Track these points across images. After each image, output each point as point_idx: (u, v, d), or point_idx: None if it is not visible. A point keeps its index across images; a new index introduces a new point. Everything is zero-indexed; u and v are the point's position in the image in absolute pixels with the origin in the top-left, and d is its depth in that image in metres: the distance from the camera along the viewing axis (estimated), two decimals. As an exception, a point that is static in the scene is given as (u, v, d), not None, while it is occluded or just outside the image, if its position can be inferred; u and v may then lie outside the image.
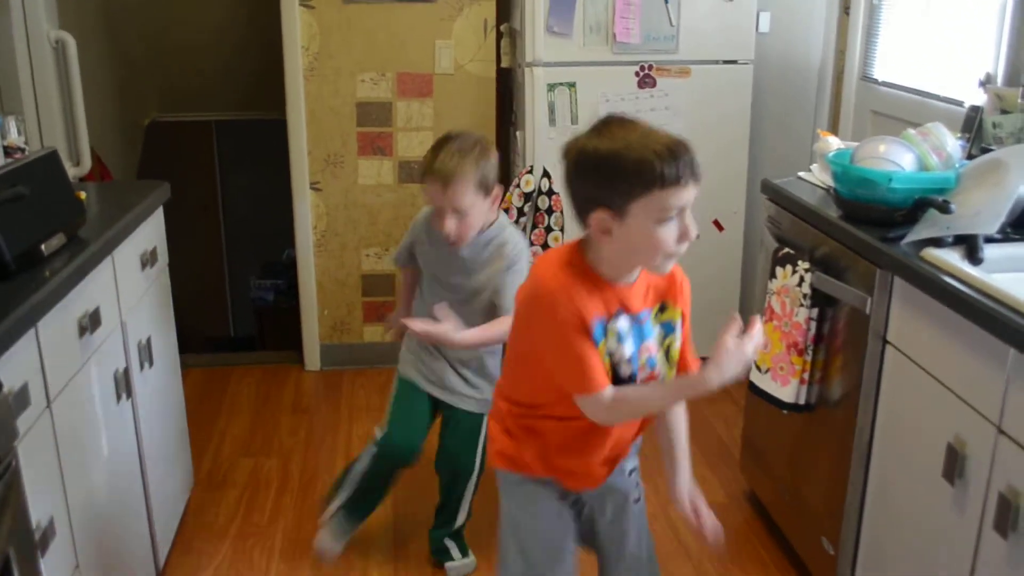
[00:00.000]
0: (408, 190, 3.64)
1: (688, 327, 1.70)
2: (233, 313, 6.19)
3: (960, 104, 2.79)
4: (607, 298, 1.57)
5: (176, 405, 2.72)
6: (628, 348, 1.58)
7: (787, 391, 2.32)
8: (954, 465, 1.76)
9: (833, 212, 2.23)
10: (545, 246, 3.46)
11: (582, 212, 1.52)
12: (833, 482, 2.25)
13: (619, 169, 1.44)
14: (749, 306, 3.75)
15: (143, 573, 2.32)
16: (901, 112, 3.21)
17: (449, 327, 2.11)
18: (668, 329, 1.65)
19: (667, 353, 1.66)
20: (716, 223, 3.56)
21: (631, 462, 1.87)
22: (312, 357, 3.85)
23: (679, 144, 1.46)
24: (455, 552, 2.55)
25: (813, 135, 3.72)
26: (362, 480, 2.49)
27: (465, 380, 2.43)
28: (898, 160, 2.07)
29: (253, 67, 5.20)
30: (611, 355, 1.57)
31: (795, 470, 2.50)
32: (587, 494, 1.82)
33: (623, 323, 1.58)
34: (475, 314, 2.29)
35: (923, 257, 1.88)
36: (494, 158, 2.22)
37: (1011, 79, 2.59)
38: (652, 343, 1.63)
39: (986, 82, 2.61)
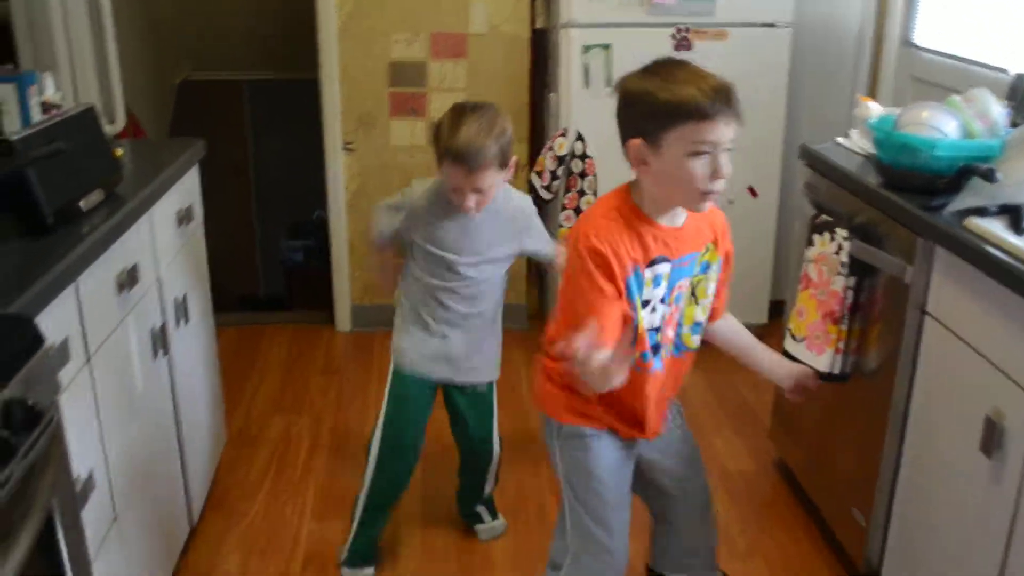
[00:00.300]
0: (440, 152, 3.63)
1: (729, 271, 1.81)
2: (263, 273, 6.22)
3: (1005, 72, 2.73)
4: (648, 241, 1.62)
5: (211, 362, 2.74)
6: (661, 290, 1.66)
7: (822, 360, 2.29)
8: (992, 438, 1.74)
9: (874, 179, 2.20)
10: (578, 210, 3.44)
11: (623, 142, 1.61)
12: (866, 453, 2.24)
13: (656, 100, 1.52)
14: (783, 272, 3.71)
15: (178, 528, 2.36)
16: (943, 79, 3.14)
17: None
18: (703, 269, 1.74)
19: (693, 291, 1.74)
20: (751, 189, 3.52)
21: None
22: (343, 318, 3.87)
23: (721, 83, 1.51)
24: (486, 516, 2.58)
25: (851, 101, 3.65)
26: (379, 508, 2.39)
27: (483, 353, 2.36)
28: (942, 127, 2.03)
29: (285, 27, 5.18)
30: (646, 301, 1.65)
31: (827, 440, 2.49)
32: (643, 442, 1.86)
33: (662, 268, 1.65)
34: (494, 288, 2.30)
35: (966, 226, 1.85)
36: (510, 128, 2.13)
37: (1060, 45, 2.52)
38: (686, 281, 1.71)
39: (1033, 48, 2.55)
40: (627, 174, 1.68)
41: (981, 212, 1.86)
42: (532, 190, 3.53)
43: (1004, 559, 1.71)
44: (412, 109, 3.59)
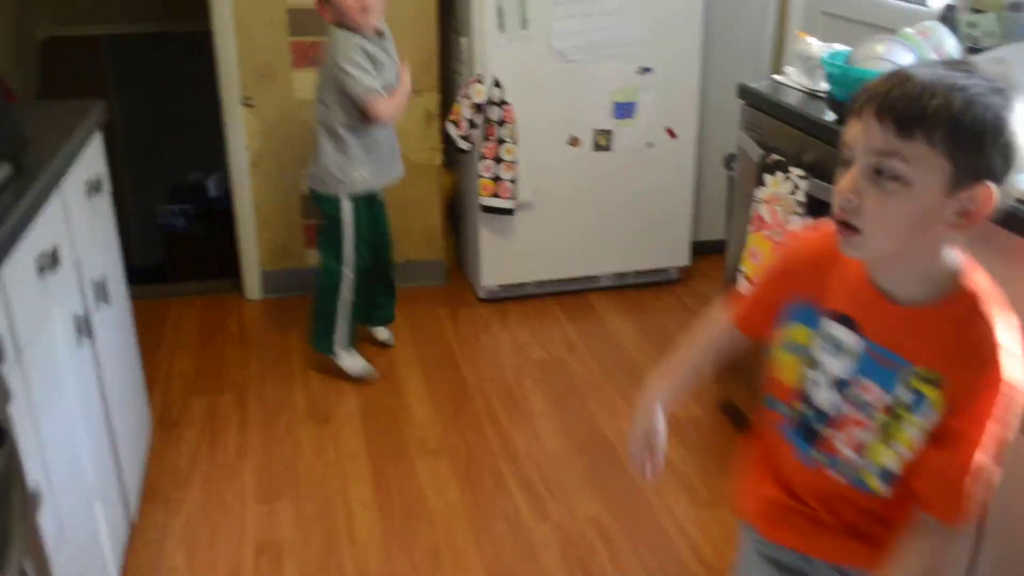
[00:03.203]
0: (347, 104, 3.44)
1: (979, 440, 1.11)
2: (140, 242, 5.85)
3: (922, 4, 2.76)
4: (851, 293, 1.20)
5: (130, 344, 2.53)
6: (840, 367, 1.20)
7: (779, 300, 2.28)
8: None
9: (826, 115, 2.17)
10: (498, 159, 3.33)
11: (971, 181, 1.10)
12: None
13: None
14: (702, 213, 3.72)
15: (119, 527, 2.17)
16: (853, 13, 3.16)
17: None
18: (912, 397, 1.15)
19: (888, 426, 1.17)
20: (669, 131, 3.48)
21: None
22: (252, 285, 3.65)
23: (887, 73, 1.09)
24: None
25: (762, 37, 3.65)
26: (353, 307, 3.00)
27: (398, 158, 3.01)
28: (898, 60, 2.01)
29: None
30: (810, 360, 1.24)
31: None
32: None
33: (841, 334, 1.20)
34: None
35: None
36: None
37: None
38: (878, 391, 1.18)
39: (956, -21, 2.57)
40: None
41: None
42: (448, 140, 3.39)
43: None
44: (315, 59, 3.37)
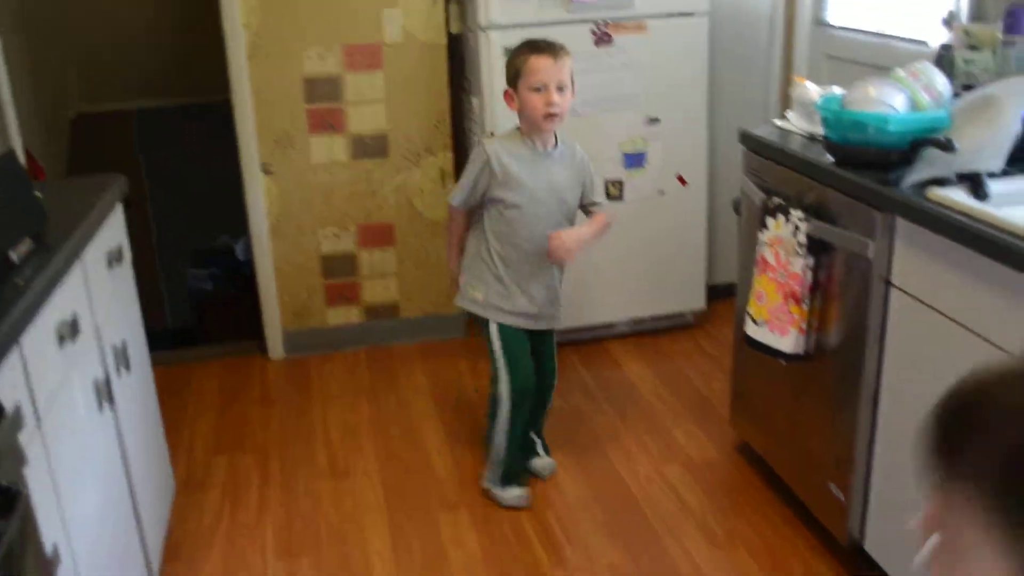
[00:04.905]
0: (363, 166, 3.53)
1: None
2: (170, 306, 5.96)
3: (924, 44, 2.80)
4: None
5: (152, 409, 2.59)
6: None
7: (787, 341, 2.30)
8: (978, 403, 1.76)
9: (824, 158, 2.21)
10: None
11: None
12: (839, 428, 2.25)
13: None
14: (717, 256, 3.74)
15: (141, 588, 2.20)
16: (857, 55, 3.21)
17: (575, 232, 2.54)
18: None
19: None
20: (680, 178, 3.52)
21: None
22: (275, 345, 3.72)
23: None
24: (540, 449, 2.84)
25: (769, 83, 3.71)
26: (510, 436, 2.62)
27: (558, 298, 2.65)
28: (890, 101, 2.05)
29: (180, 54, 4.97)
30: None
31: (795, 420, 2.50)
32: None
33: None
34: (568, 222, 2.58)
35: (929, 197, 1.87)
36: None
37: (976, 15, 2.60)
38: None
39: (950, 20, 2.61)
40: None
41: (941, 182, 1.89)
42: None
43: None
44: (330, 125, 3.47)
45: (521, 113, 2.50)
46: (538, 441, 2.85)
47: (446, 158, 3.60)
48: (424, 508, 2.69)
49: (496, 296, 2.56)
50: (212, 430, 3.22)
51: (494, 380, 2.61)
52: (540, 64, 2.41)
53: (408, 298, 3.75)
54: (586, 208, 2.63)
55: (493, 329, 2.57)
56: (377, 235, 3.64)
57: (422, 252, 3.66)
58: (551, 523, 2.60)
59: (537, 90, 2.42)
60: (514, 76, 2.47)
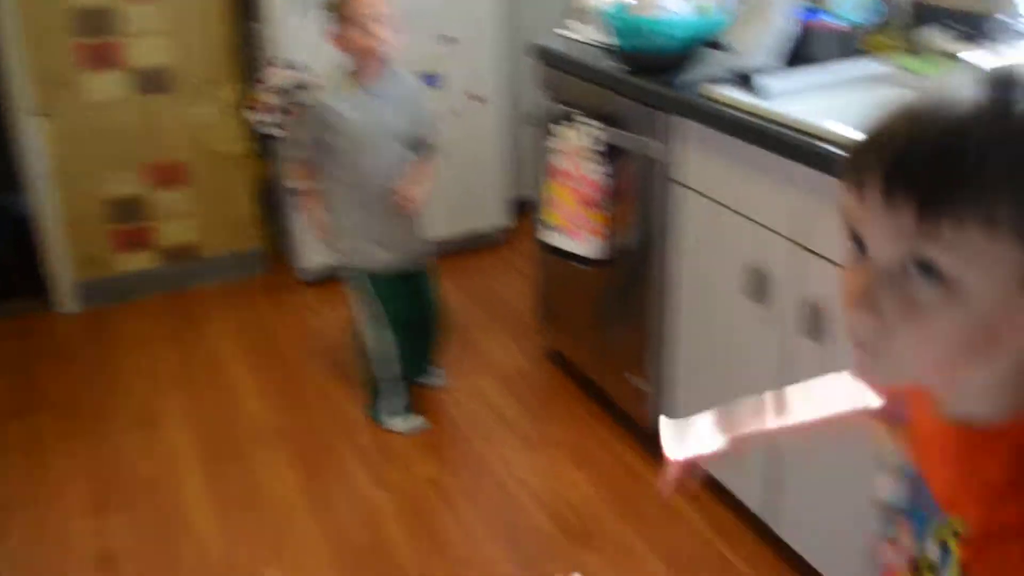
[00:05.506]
0: (147, 102, 3.32)
1: None
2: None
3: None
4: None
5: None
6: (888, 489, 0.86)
7: (586, 247, 2.37)
8: (760, 285, 1.89)
9: (613, 66, 2.26)
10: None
11: None
12: (638, 322, 2.36)
13: None
14: (525, 172, 3.78)
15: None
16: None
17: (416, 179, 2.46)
18: (944, 557, 0.76)
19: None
20: (474, 95, 3.52)
21: None
22: (66, 298, 3.49)
23: (893, 111, 0.66)
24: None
25: None
26: (400, 359, 2.60)
27: (418, 237, 2.61)
28: (673, 8, 2.11)
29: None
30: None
31: (598, 321, 2.60)
32: None
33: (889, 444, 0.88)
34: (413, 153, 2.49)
35: (703, 93, 1.96)
36: None
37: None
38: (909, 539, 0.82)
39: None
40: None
41: (718, 81, 1.98)
42: (256, 127, 3.32)
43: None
44: (108, 61, 3.24)
45: (346, 52, 2.39)
46: (438, 371, 2.87)
47: (235, 89, 3.45)
48: (238, 451, 2.63)
49: (355, 243, 2.52)
50: (3, 393, 3.00)
51: (372, 322, 2.57)
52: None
53: (209, 237, 3.59)
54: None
55: (360, 277, 2.54)
56: (168, 174, 3.46)
57: (220, 188, 3.51)
58: (367, 445, 2.61)
59: (362, 26, 2.32)
60: (336, 15, 2.35)
